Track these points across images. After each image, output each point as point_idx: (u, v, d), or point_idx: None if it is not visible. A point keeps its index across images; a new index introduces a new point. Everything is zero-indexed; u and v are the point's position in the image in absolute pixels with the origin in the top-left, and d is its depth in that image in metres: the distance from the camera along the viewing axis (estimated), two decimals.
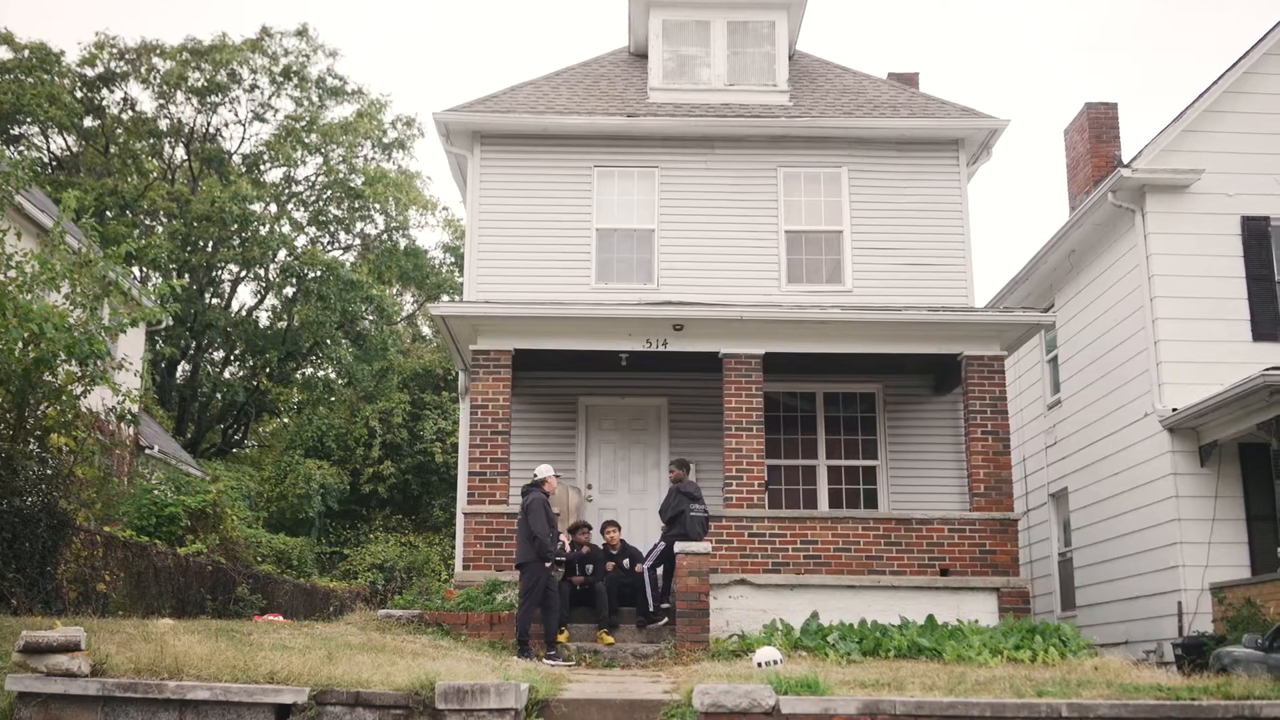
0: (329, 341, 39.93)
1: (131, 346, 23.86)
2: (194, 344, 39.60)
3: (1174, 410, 17.03)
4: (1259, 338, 17.47)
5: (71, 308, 15.59)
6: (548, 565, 12.95)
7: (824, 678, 9.16)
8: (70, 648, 7.34)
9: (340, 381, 39.56)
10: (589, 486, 17.09)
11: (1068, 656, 12.35)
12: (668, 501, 14.62)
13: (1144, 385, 17.84)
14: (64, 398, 15.30)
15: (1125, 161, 18.67)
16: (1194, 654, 15.34)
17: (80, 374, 15.38)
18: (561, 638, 13.24)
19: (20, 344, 14.31)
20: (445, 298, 43.30)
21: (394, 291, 44.63)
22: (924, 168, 18.19)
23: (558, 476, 14.38)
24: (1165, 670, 14.45)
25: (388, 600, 29.17)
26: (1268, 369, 15.04)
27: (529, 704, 8.26)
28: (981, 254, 70.02)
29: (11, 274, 15.42)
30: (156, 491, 22.23)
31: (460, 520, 16.09)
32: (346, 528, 36.25)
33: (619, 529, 15.27)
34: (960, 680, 8.89)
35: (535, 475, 13.74)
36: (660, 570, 14.46)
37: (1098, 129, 20.81)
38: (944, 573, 14.75)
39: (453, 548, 31.65)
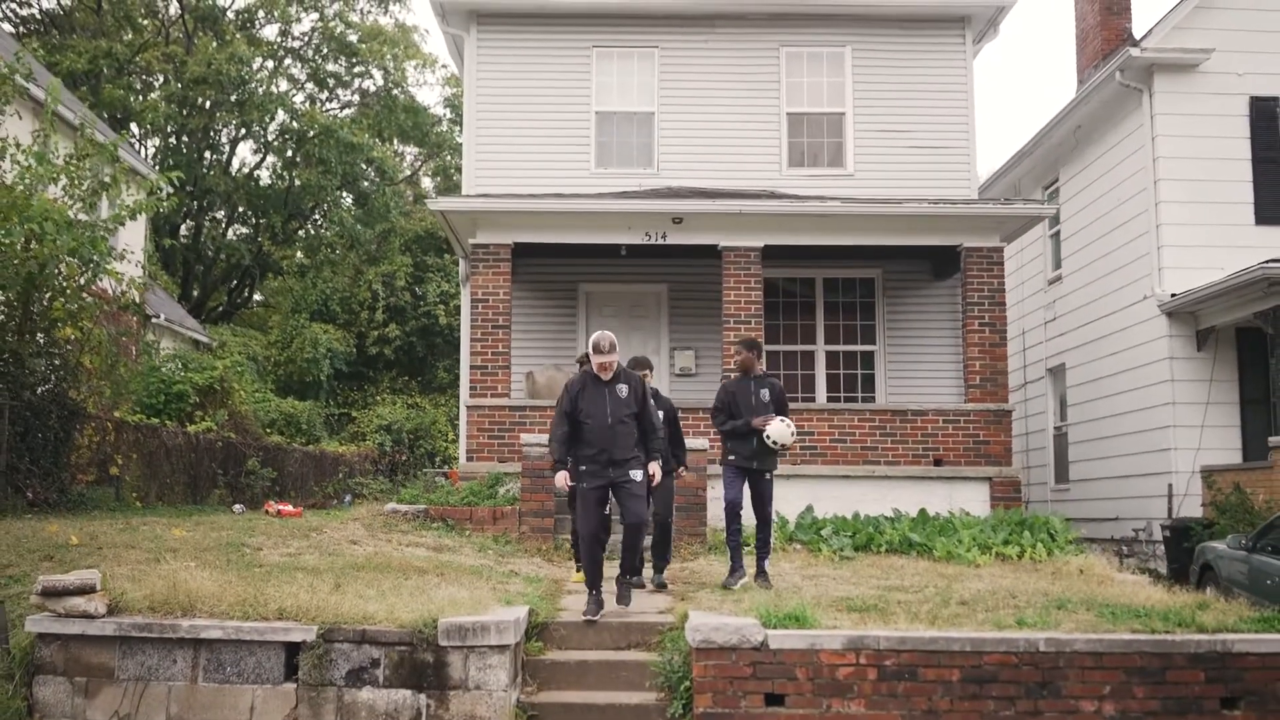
0: (331, 204, 39.76)
1: (133, 231, 23.75)
2: (195, 205, 39.40)
3: (1173, 295, 17.11)
4: (1262, 221, 17.43)
5: (71, 201, 15.59)
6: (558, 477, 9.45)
7: (813, 595, 9.50)
8: (86, 590, 7.62)
9: (343, 242, 39.47)
10: None
11: (1054, 553, 12.68)
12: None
13: (1144, 268, 17.86)
14: (68, 291, 15.43)
15: (1135, 36, 18.29)
16: (1181, 537, 15.76)
17: (83, 268, 15.49)
18: None
19: (21, 242, 14.38)
20: (447, 157, 42.96)
21: (394, 150, 44.18)
22: (929, 47, 17.85)
23: (585, 359, 10.50)
24: (1146, 570, 14.90)
25: (396, 467, 29.81)
26: (1266, 261, 15.06)
27: (529, 628, 8.59)
28: (986, 132, 69.13)
29: (5, 165, 15.39)
30: (165, 369, 22.48)
31: (463, 413, 16.34)
32: (353, 389, 36.71)
33: (650, 371, 11.16)
34: (945, 599, 9.20)
35: None
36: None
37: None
38: (938, 463, 15.04)
39: (458, 409, 32.22)
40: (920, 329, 17.52)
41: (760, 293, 15.47)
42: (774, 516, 10.73)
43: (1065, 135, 20.60)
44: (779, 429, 10.32)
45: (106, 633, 7.57)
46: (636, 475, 9.30)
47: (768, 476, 10.58)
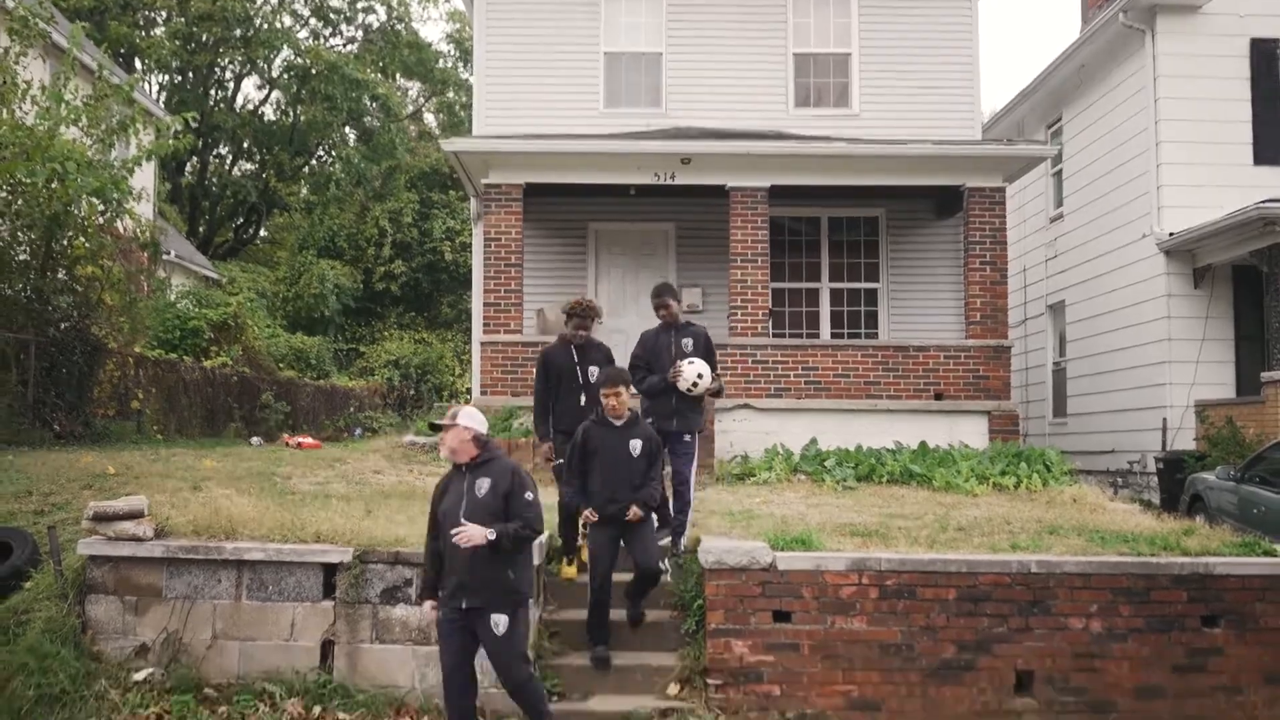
0: (336, 140, 39.91)
1: (144, 172, 24.03)
2: (201, 142, 39.59)
3: (1171, 234, 17.43)
4: (1260, 161, 17.69)
5: (89, 142, 15.89)
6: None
7: (818, 521, 9.97)
8: (135, 515, 8.09)
9: (348, 180, 39.70)
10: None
11: (1050, 484, 13.14)
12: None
13: (1144, 207, 18.17)
14: (89, 230, 15.80)
15: None
16: (1174, 468, 16.26)
17: (103, 209, 15.84)
18: None
19: (43, 182, 14.70)
20: (450, 93, 42.98)
21: (397, 86, 44.20)
22: None
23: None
24: (1139, 500, 15.36)
25: (404, 402, 30.30)
26: (1262, 201, 15.40)
27: (549, 551, 9.09)
28: (991, 71, 68.91)
29: (26, 107, 15.68)
30: (180, 305, 22.91)
31: (476, 349, 16.75)
32: (361, 325, 37.17)
33: (627, 388, 8.69)
34: (943, 525, 9.67)
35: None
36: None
37: None
38: (938, 397, 15.47)
39: (463, 344, 32.64)
40: (923, 267, 17.87)
41: (766, 232, 15.80)
42: (692, 488, 9.46)
43: (1069, 75, 20.79)
44: (686, 372, 9.34)
45: (155, 555, 8.06)
46: (500, 625, 6.69)
47: (687, 438, 9.45)
